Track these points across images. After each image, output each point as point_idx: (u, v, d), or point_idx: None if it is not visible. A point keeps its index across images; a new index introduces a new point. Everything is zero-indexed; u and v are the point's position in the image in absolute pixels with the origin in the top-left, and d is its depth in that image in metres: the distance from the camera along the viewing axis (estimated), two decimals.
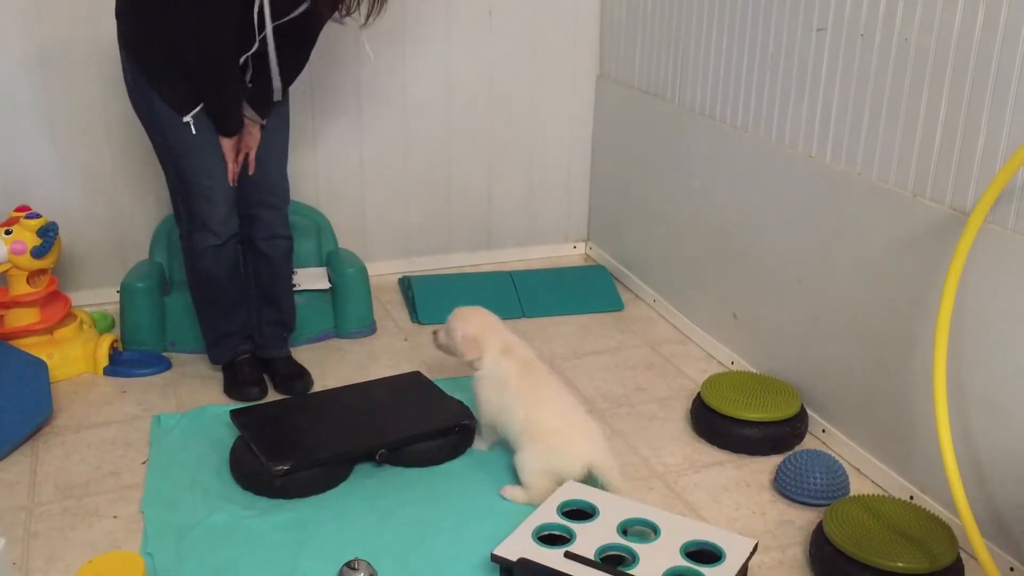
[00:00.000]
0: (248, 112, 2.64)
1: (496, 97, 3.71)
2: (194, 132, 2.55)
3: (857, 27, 2.41)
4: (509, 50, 3.66)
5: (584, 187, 3.95)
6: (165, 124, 2.57)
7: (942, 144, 2.20)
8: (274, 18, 2.46)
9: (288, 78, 2.67)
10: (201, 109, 2.54)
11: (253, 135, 2.68)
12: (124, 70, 2.61)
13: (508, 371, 2.43)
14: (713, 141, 3.05)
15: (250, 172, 2.71)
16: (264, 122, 2.68)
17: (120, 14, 2.57)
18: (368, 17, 2.60)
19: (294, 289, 3.10)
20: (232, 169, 2.65)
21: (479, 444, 2.57)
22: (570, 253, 4.02)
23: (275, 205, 2.81)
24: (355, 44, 3.29)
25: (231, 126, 2.59)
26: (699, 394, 2.71)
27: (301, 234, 3.35)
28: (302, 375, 2.87)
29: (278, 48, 2.55)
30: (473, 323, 2.53)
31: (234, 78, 2.53)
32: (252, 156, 2.70)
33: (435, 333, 2.63)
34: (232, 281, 2.80)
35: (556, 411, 2.36)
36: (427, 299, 3.44)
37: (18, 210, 2.90)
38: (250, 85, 2.63)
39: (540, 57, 3.72)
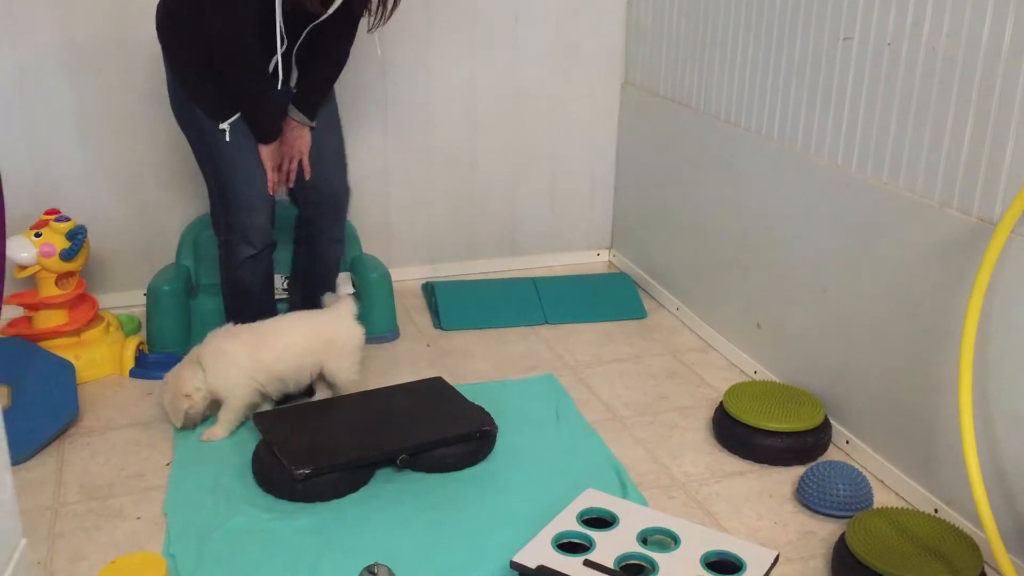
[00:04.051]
0: (295, 115, 2.66)
1: (521, 104, 3.71)
2: (228, 139, 2.57)
3: (884, 36, 2.39)
4: (534, 57, 3.67)
5: (608, 195, 3.95)
6: (207, 133, 2.61)
7: (969, 154, 2.18)
8: (300, 21, 2.48)
9: (328, 76, 2.68)
10: (239, 117, 2.57)
11: (303, 138, 2.70)
12: (167, 82, 2.66)
13: (217, 349, 2.59)
14: (738, 149, 3.04)
15: (306, 177, 2.73)
16: (313, 124, 2.69)
17: (160, 28, 2.62)
18: (374, 20, 2.62)
19: None
20: (271, 178, 2.67)
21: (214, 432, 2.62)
22: (594, 260, 4.01)
23: (331, 207, 2.81)
24: (380, 49, 3.31)
25: (266, 132, 2.62)
26: (721, 403, 2.69)
27: None
28: None
29: (314, 46, 2.56)
30: (166, 391, 2.64)
31: (261, 83, 2.55)
32: (305, 160, 2.72)
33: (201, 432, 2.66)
34: (264, 292, 2.83)
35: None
36: (450, 305, 3.45)
37: (47, 213, 2.93)
38: (295, 89, 2.66)
39: (565, 64, 3.72)
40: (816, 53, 2.65)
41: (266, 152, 2.64)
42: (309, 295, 2.91)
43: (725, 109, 3.11)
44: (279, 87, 2.59)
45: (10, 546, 1.42)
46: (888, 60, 2.39)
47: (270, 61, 2.54)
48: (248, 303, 2.80)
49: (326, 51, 2.63)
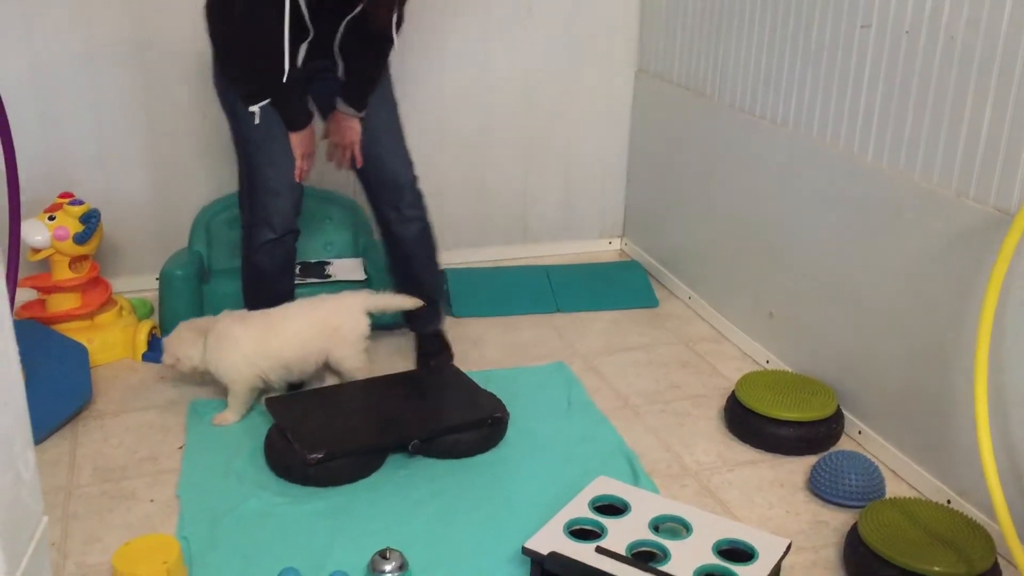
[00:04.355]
0: (343, 107, 2.67)
1: (534, 91, 3.70)
2: (257, 122, 2.58)
3: (902, 24, 2.37)
4: (548, 44, 3.66)
5: (620, 183, 3.94)
6: (240, 115, 2.62)
7: (987, 144, 2.16)
8: (334, 14, 2.48)
9: (367, 70, 2.67)
10: (270, 103, 2.58)
11: (353, 129, 2.70)
12: (212, 62, 2.68)
13: (223, 331, 2.61)
14: (753, 137, 3.02)
15: (358, 165, 2.74)
16: (362, 115, 2.69)
17: (206, 7, 2.62)
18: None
19: (331, 278, 3.14)
20: (299, 166, 2.67)
21: (226, 418, 2.64)
22: (605, 249, 4.01)
23: (395, 190, 2.78)
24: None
25: (292, 120, 2.62)
26: (733, 392, 2.69)
27: (338, 225, 3.37)
28: (438, 353, 2.93)
29: (354, 40, 2.56)
30: (165, 342, 2.69)
31: (279, 73, 2.53)
32: (357, 150, 2.72)
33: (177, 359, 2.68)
34: (282, 277, 2.83)
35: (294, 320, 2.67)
36: (462, 292, 3.44)
37: (62, 196, 2.94)
38: (342, 77, 2.66)
39: (579, 51, 3.70)
40: (833, 41, 2.63)
41: (295, 139, 2.64)
42: (400, 276, 2.92)
43: (740, 97, 3.09)
44: (284, 79, 2.57)
45: (32, 523, 1.42)
46: (906, 48, 2.37)
47: (299, 51, 2.54)
48: (265, 286, 2.80)
49: (366, 45, 2.62)
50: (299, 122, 2.64)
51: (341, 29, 2.56)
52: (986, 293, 2.00)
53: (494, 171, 3.76)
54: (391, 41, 2.61)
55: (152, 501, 2.32)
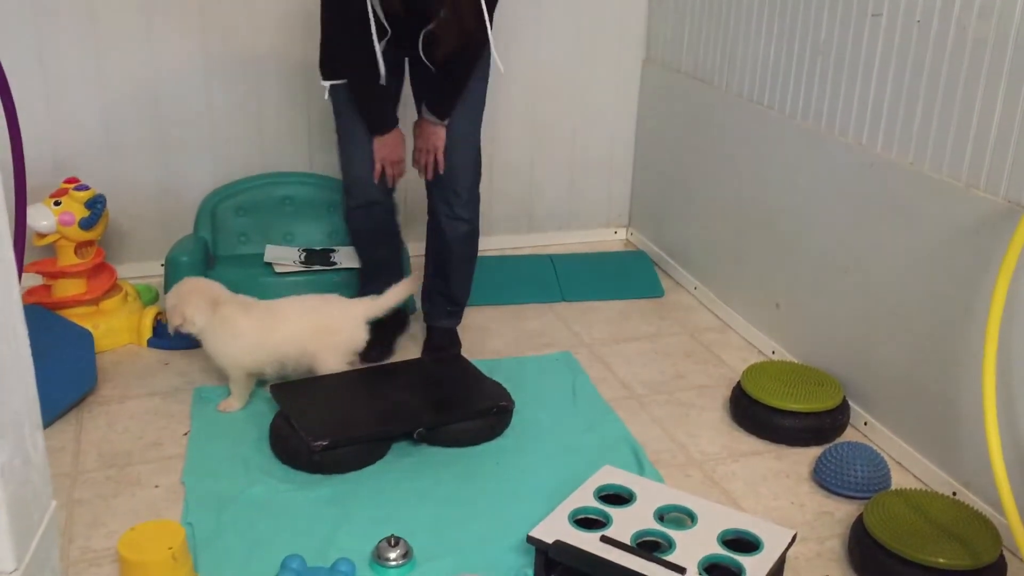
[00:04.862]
0: (426, 114, 2.68)
1: (540, 80, 3.69)
2: (326, 97, 2.67)
3: (914, 13, 2.36)
4: (555, 32, 3.64)
5: (627, 172, 3.92)
6: (334, 88, 2.68)
7: (998, 135, 2.15)
8: (411, 23, 2.50)
9: (445, 82, 2.65)
10: (343, 84, 2.63)
11: (437, 135, 2.70)
12: None
13: (227, 317, 2.59)
14: (761, 128, 3.01)
15: (439, 170, 2.73)
16: (444, 123, 2.68)
17: None
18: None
19: (336, 266, 3.14)
20: (377, 169, 2.70)
21: (230, 405, 2.64)
22: (611, 238, 4.00)
23: (454, 192, 2.78)
24: None
25: (369, 124, 2.65)
26: (739, 383, 2.68)
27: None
28: (446, 348, 2.94)
29: (433, 49, 2.57)
30: (174, 293, 2.65)
31: (351, 70, 2.56)
32: (440, 156, 2.72)
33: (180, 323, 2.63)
34: (373, 244, 2.91)
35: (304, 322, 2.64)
36: None
37: (67, 182, 2.94)
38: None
39: (586, 40, 3.69)
40: (843, 30, 2.61)
41: (376, 144, 2.68)
42: (433, 266, 2.94)
43: (748, 87, 3.07)
44: (381, 80, 2.57)
45: (42, 507, 1.43)
46: (917, 38, 2.36)
47: (379, 54, 2.55)
48: (361, 249, 2.97)
49: (446, 60, 2.61)
50: (375, 127, 2.66)
51: (421, 38, 2.55)
52: (996, 285, 1.99)
53: (500, 160, 3.75)
54: (466, 65, 2.61)
55: (157, 487, 2.32)
